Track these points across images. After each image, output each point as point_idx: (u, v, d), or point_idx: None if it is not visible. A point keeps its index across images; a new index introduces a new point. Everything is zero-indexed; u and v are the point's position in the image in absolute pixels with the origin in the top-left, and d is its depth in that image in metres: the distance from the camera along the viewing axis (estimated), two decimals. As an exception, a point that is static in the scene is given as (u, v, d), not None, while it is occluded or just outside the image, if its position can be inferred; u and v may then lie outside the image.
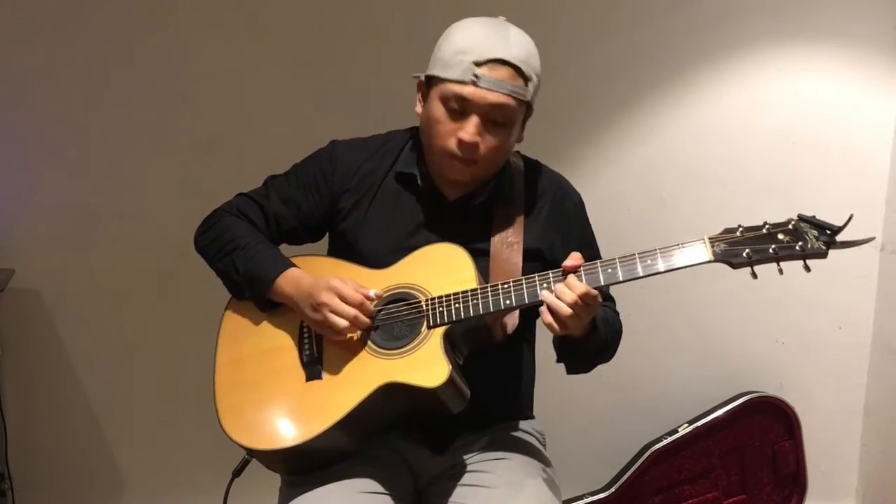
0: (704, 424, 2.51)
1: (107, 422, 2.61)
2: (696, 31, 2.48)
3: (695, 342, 2.63)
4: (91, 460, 2.62)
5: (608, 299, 1.68)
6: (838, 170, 2.52)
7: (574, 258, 1.42)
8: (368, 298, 1.50)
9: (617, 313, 1.68)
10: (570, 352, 1.55)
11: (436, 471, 1.62)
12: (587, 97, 2.52)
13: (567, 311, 1.38)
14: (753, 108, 2.51)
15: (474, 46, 1.47)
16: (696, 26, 2.47)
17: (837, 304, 2.60)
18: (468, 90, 1.47)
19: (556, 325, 1.40)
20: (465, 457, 1.62)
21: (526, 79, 1.50)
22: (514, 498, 1.51)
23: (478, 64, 1.46)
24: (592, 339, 1.51)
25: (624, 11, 2.48)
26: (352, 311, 1.47)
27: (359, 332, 1.51)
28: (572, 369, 1.63)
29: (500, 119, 1.51)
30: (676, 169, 2.55)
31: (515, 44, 1.50)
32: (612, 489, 2.50)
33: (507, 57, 1.47)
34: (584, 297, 1.38)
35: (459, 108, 1.49)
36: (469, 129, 1.49)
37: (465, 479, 1.57)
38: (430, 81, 1.53)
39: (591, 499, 2.51)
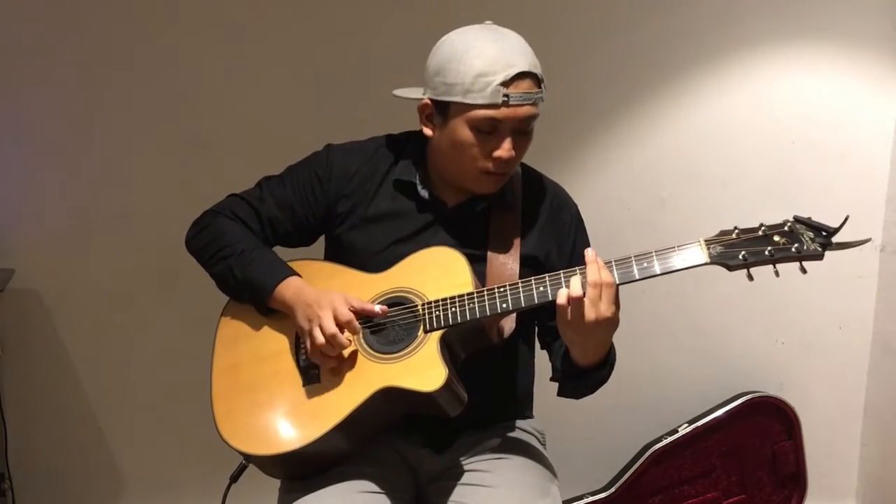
0: (704, 424, 2.51)
1: (107, 422, 2.61)
2: (696, 31, 2.48)
3: (695, 342, 2.63)
4: (91, 460, 2.62)
5: None
6: (838, 170, 2.52)
7: (588, 254, 1.40)
8: (373, 314, 1.49)
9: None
10: (576, 376, 1.52)
11: (436, 470, 1.62)
12: (587, 98, 2.51)
13: (580, 293, 1.35)
14: (753, 108, 2.51)
15: (494, 66, 1.45)
16: (696, 26, 2.47)
17: (837, 304, 2.60)
18: (501, 112, 1.46)
19: (575, 316, 1.37)
20: (465, 456, 1.62)
21: (540, 81, 1.51)
22: (514, 498, 1.51)
23: (505, 84, 1.45)
24: (601, 371, 1.50)
25: (624, 11, 2.48)
26: (332, 329, 1.45)
27: (355, 340, 1.50)
28: (567, 393, 1.61)
29: (527, 128, 1.52)
30: (676, 169, 2.55)
31: (522, 49, 1.50)
32: (612, 489, 2.50)
33: (525, 67, 1.47)
34: (604, 286, 1.36)
35: (490, 129, 1.49)
36: (506, 146, 1.49)
37: (465, 478, 1.57)
38: (445, 106, 1.51)
39: (591, 499, 2.51)
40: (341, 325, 1.46)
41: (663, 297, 2.58)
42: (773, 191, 2.51)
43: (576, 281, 1.37)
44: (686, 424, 2.53)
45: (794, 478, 2.59)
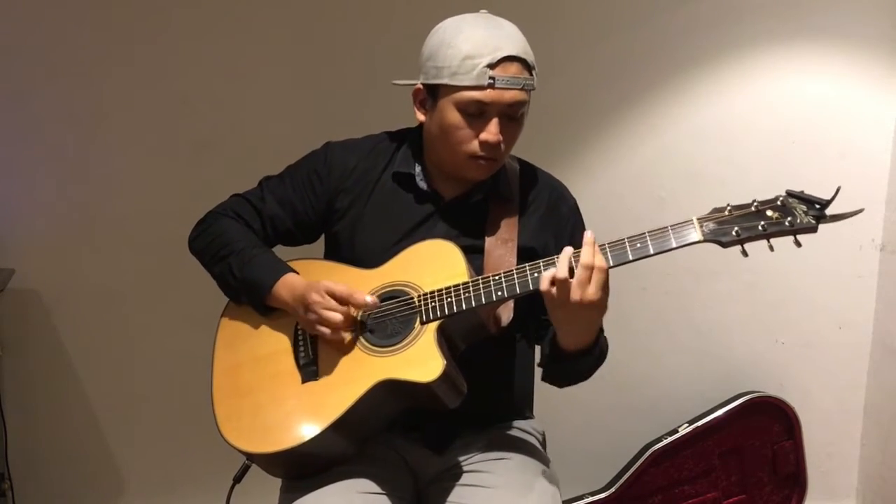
0: (704, 424, 2.51)
1: (107, 422, 2.61)
2: (695, 31, 2.48)
3: (695, 342, 2.63)
4: (91, 460, 2.62)
5: None
6: (838, 170, 2.52)
7: (586, 235, 1.39)
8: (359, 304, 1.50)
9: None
10: (560, 359, 1.51)
11: (436, 471, 1.62)
12: (587, 97, 2.52)
13: (564, 275, 1.35)
14: (753, 108, 2.52)
15: (482, 49, 1.47)
16: (696, 26, 2.48)
17: (837, 304, 2.60)
18: (487, 94, 1.47)
19: (559, 295, 1.36)
20: (465, 456, 1.62)
21: (531, 68, 1.51)
22: (514, 498, 1.51)
23: (491, 66, 1.46)
24: (586, 360, 1.49)
25: (624, 11, 2.48)
26: (342, 306, 1.48)
27: (352, 332, 1.51)
28: (551, 377, 1.60)
29: (515, 114, 1.52)
30: (676, 169, 2.55)
31: (513, 35, 1.51)
32: (612, 489, 2.50)
33: (514, 52, 1.48)
34: (595, 270, 1.35)
35: (477, 112, 1.49)
36: (492, 129, 1.50)
37: (465, 478, 1.57)
38: (435, 90, 1.52)
39: (591, 499, 2.51)
40: (343, 300, 1.48)
41: (663, 297, 2.58)
42: (772, 190, 2.47)
43: (563, 262, 1.37)
44: (686, 424, 2.53)
45: (794, 478, 2.59)
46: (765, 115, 2.52)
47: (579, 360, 1.48)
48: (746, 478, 2.56)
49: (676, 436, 2.50)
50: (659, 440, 2.52)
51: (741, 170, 2.53)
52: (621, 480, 2.50)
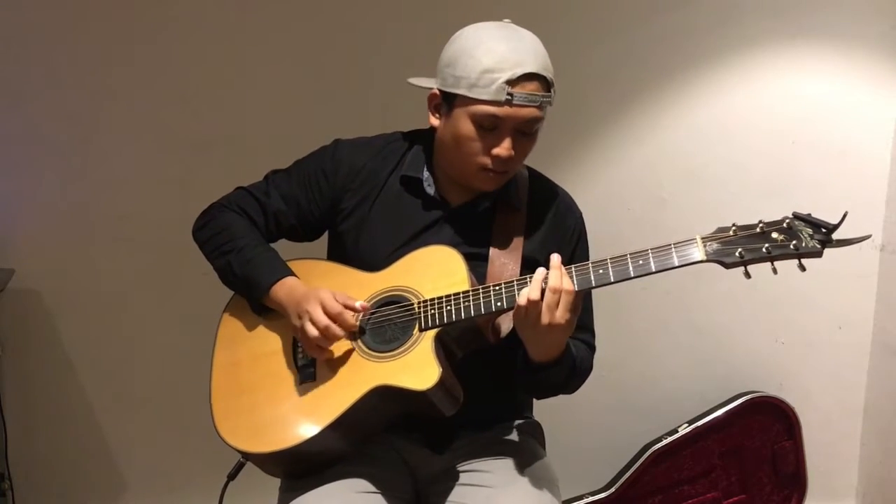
0: (704, 424, 2.51)
1: (107, 422, 2.61)
2: (696, 31, 2.48)
3: (695, 342, 2.63)
4: (91, 460, 2.62)
5: (587, 331, 1.64)
6: (838, 170, 2.52)
7: (553, 259, 1.40)
8: (353, 310, 1.49)
9: (593, 350, 1.65)
10: (530, 371, 1.51)
11: (435, 471, 1.62)
12: (587, 97, 2.51)
13: (538, 297, 1.36)
14: (753, 107, 2.52)
15: (502, 64, 1.45)
16: (696, 26, 2.48)
17: (837, 304, 2.60)
18: (504, 110, 1.46)
19: (528, 316, 1.37)
20: (465, 457, 1.61)
21: (550, 85, 1.51)
22: (514, 498, 1.51)
23: (510, 83, 1.45)
24: (553, 371, 1.49)
25: (624, 11, 2.48)
26: (324, 320, 1.46)
27: (350, 336, 1.51)
28: (524, 388, 1.61)
29: (529, 130, 1.51)
30: (676, 169, 2.55)
31: (535, 51, 1.49)
32: (612, 489, 2.50)
33: (534, 69, 1.47)
34: (563, 293, 1.36)
35: (491, 126, 1.48)
36: (506, 145, 1.49)
37: (465, 478, 1.57)
38: (451, 98, 1.51)
39: (591, 499, 2.51)
40: (332, 318, 1.47)
41: (663, 297, 2.58)
42: (773, 190, 2.52)
43: (536, 284, 1.38)
44: (686, 424, 2.53)
45: (794, 478, 2.59)
46: (765, 114, 2.52)
47: (550, 370, 1.49)
48: (746, 478, 2.56)
49: (676, 436, 2.50)
50: (659, 440, 2.52)
51: (741, 170, 2.53)
52: (621, 480, 2.50)
